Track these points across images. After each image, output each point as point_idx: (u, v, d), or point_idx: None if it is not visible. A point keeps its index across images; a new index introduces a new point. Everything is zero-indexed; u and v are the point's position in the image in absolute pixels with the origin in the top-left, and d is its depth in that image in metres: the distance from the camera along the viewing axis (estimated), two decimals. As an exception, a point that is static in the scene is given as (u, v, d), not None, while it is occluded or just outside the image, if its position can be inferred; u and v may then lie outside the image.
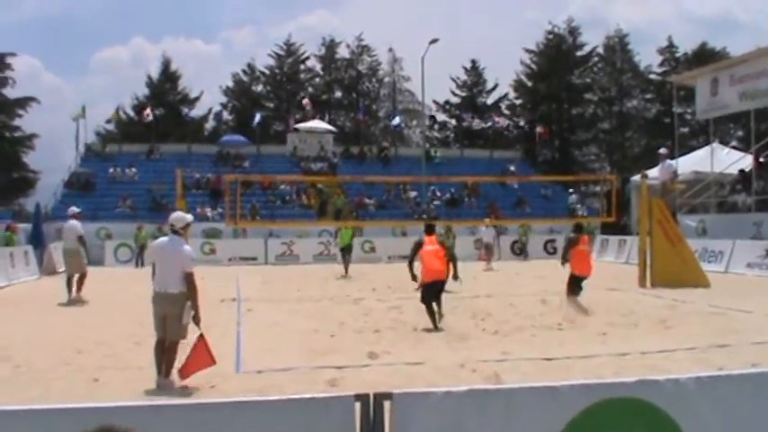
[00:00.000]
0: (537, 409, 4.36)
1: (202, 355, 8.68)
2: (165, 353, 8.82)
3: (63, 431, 3.69)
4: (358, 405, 4.25)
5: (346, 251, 27.01)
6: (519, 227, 37.48)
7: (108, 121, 58.25)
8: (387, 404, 4.26)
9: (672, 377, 4.70)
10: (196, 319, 8.74)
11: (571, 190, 46.49)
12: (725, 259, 25.69)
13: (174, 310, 8.69)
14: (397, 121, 57.80)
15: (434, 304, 13.57)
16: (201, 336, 8.74)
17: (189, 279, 8.68)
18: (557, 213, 41.53)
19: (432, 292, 13.60)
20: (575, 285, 15.69)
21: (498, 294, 18.88)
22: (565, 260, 15.71)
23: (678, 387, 4.58)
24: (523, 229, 37.40)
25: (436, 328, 13.11)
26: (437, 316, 13.48)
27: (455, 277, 14.04)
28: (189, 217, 9.48)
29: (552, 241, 37.78)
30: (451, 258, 13.94)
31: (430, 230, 14.33)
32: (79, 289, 18.18)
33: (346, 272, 26.15)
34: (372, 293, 19.67)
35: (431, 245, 13.81)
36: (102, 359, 10.39)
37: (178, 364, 8.78)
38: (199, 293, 8.85)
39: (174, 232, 9.06)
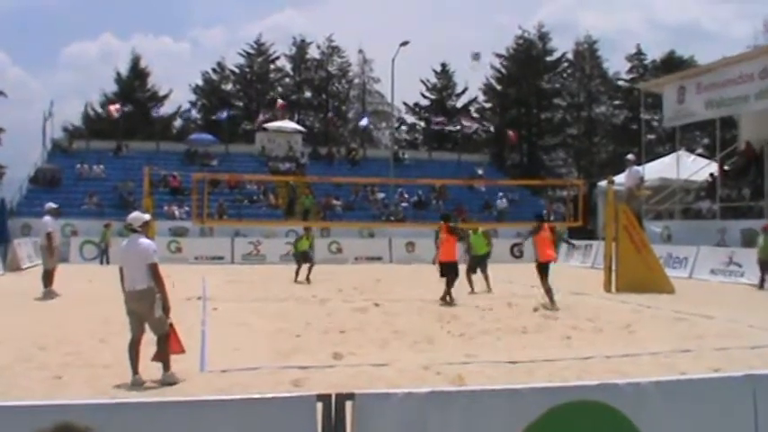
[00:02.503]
0: (498, 412, 4.38)
1: (172, 344, 9.02)
2: (154, 350, 8.96)
3: (20, 429, 3.63)
4: (320, 405, 4.24)
5: (303, 257, 24.79)
6: None
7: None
8: (349, 404, 4.26)
9: (632, 381, 4.73)
10: (165, 309, 8.93)
11: (501, 194, 44.96)
12: (689, 265, 25.94)
13: (146, 306, 8.82)
14: (365, 122, 57.37)
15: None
16: (171, 325, 9.04)
17: (153, 270, 8.82)
18: (524, 217, 41.54)
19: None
20: (543, 272, 16.76)
21: (465, 297, 18.90)
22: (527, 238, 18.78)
23: (638, 391, 4.61)
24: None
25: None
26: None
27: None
28: (146, 216, 9.66)
29: (518, 245, 37.74)
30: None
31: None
32: (48, 283, 18.16)
33: (296, 276, 24.24)
34: (338, 294, 19.62)
35: None
36: (66, 357, 10.26)
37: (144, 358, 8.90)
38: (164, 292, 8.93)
39: (134, 231, 9.14)
